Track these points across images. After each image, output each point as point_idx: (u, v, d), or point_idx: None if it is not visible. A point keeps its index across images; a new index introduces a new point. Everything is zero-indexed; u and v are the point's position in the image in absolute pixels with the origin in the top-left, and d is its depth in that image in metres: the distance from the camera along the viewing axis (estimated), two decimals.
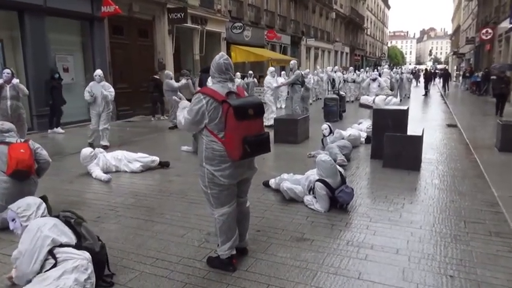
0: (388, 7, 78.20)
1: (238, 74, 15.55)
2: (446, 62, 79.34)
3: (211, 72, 3.19)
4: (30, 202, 3.15)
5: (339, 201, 4.53)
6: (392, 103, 10.09)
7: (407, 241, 3.76)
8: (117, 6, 11.79)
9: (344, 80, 20.54)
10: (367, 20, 56.45)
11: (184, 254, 3.54)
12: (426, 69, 33.79)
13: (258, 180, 5.33)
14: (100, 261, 3.05)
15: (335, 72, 21.41)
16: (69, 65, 11.79)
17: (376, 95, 10.65)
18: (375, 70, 20.50)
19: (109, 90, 8.26)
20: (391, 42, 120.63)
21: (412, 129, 6.89)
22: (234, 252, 3.30)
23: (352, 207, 4.65)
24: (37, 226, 2.91)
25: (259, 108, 3.10)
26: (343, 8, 42.56)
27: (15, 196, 3.64)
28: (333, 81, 18.96)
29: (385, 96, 10.23)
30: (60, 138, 9.96)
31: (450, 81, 32.38)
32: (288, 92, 12.06)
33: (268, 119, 10.29)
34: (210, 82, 5.15)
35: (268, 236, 3.90)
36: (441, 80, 30.41)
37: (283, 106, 15.66)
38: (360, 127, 9.30)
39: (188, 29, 16.65)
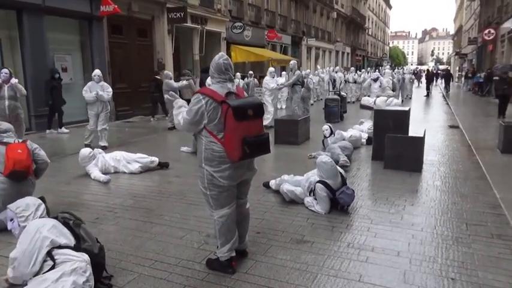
0: (390, 7, 78.17)
1: (238, 74, 15.48)
2: (449, 63, 79.29)
3: (211, 72, 3.17)
4: (30, 203, 3.15)
5: (339, 202, 4.50)
6: (394, 104, 10.05)
7: (408, 243, 3.74)
8: (116, 6, 11.75)
9: (345, 81, 20.51)
10: (369, 20, 56.41)
11: (183, 256, 3.51)
12: (428, 70, 33.72)
13: (258, 181, 5.31)
14: (98, 263, 3.03)
15: (336, 72, 21.37)
16: (68, 65, 11.74)
17: (377, 96, 10.60)
18: (376, 71, 20.43)
19: (107, 91, 8.22)
20: (392, 42, 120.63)
21: (413, 130, 6.87)
22: (234, 254, 3.28)
23: (352, 209, 4.62)
24: (36, 227, 2.89)
25: (258, 109, 3.09)
26: (344, 8, 42.53)
27: (13, 197, 3.62)
28: (333, 82, 18.94)
29: (386, 98, 10.19)
30: (59, 138, 9.93)
31: (452, 82, 32.32)
32: (288, 92, 12.02)
33: (265, 119, 10.26)
34: (209, 82, 5.13)
35: (268, 238, 3.87)
36: (443, 80, 30.35)
37: (284, 107, 15.63)
38: (361, 128, 9.26)
39: (188, 29, 16.62)
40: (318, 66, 26.98)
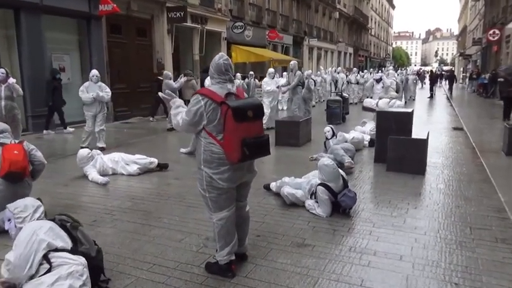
0: (393, 7, 78.06)
1: (238, 74, 15.40)
2: (453, 64, 79.03)
3: (211, 72, 3.14)
4: (28, 204, 3.13)
5: (341, 205, 4.45)
6: (396, 106, 9.98)
7: (411, 247, 3.69)
8: (115, 5, 11.67)
9: (347, 82, 20.43)
10: (371, 20, 56.34)
11: (182, 260, 3.47)
12: (431, 71, 33.63)
13: (258, 183, 5.26)
14: (96, 266, 3.00)
15: (338, 73, 21.29)
16: (66, 65, 11.65)
17: (380, 98, 10.52)
18: (379, 71, 20.37)
19: (105, 91, 8.16)
20: (395, 42, 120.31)
21: (416, 132, 6.80)
22: (233, 257, 3.24)
23: (354, 212, 4.57)
24: (33, 229, 2.86)
25: (258, 110, 3.07)
26: (347, 8, 42.47)
27: (9, 199, 3.58)
28: (335, 83, 18.87)
29: (388, 99, 10.11)
30: (56, 139, 9.83)
31: (455, 83, 32.20)
32: (288, 93, 11.95)
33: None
34: (208, 82, 5.07)
35: (269, 242, 3.83)
36: (447, 82, 30.23)
37: (285, 108, 15.58)
38: (364, 129, 9.18)
39: (188, 29, 16.57)
40: (321, 67, 26.93)
